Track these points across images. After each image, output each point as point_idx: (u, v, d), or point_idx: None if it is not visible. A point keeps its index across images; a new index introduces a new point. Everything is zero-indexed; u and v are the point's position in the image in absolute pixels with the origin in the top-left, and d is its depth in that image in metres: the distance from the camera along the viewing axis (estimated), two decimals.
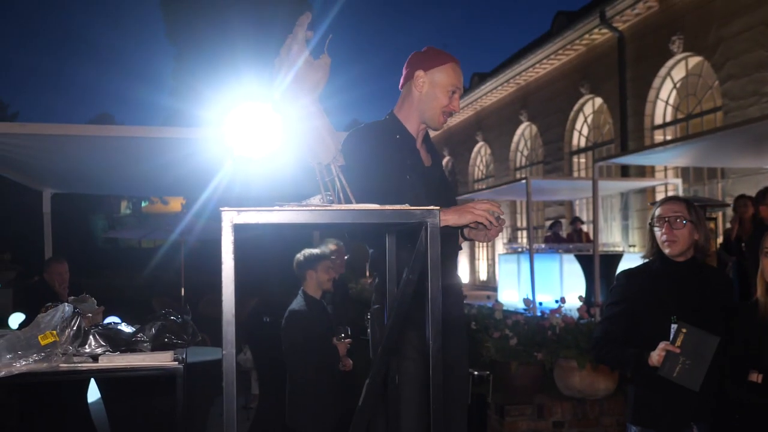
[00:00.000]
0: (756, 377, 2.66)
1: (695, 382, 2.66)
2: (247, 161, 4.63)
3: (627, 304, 2.93)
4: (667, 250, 2.89)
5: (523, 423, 5.70)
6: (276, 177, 5.30)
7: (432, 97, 2.62)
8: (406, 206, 1.55)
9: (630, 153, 11.58)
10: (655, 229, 2.93)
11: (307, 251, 4.69)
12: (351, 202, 1.67)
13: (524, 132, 19.42)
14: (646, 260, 3.05)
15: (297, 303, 4.56)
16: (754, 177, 10.37)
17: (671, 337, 2.71)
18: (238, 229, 1.45)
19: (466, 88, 22.71)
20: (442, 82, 2.61)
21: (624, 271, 3.08)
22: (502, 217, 2.31)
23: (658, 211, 2.95)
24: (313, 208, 1.50)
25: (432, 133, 2.85)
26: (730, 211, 9.87)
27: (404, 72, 2.69)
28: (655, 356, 2.70)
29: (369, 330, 2.62)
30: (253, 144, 3.90)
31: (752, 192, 7.87)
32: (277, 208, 1.47)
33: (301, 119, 1.72)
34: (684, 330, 2.67)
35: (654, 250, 2.97)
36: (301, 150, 1.76)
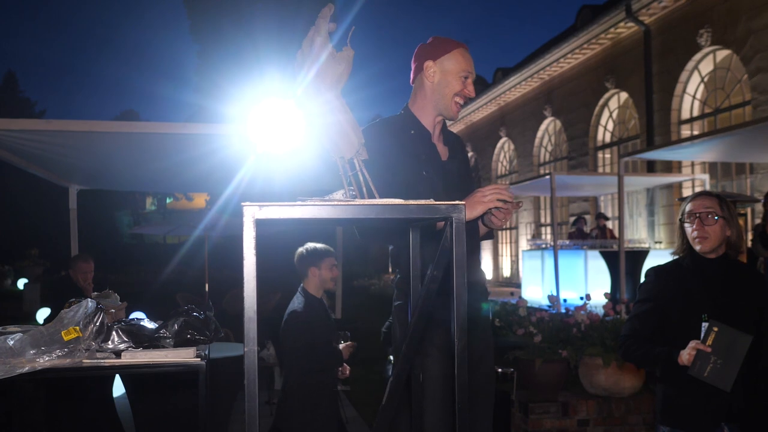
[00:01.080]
0: None
1: (727, 382, 2.59)
2: (270, 157, 4.62)
3: (656, 302, 2.87)
4: (698, 247, 2.83)
5: (548, 421, 5.64)
6: (299, 173, 5.29)
7: (444, 85, 2.58)
8: (431, 201, 1.52)
9: (656, 148, 11.41)
10: (686, 225, 2.87)
11: (311, 245, 4.35)
12: (374, 197, 1.64)
13: (548, 127, 19.26)
14: (676, 257, 2.99)
15: (297, 302, 4.24)
16: None
17: (702, 335, 2.64)
18: (260, 224, 1.43)
19: (489, 84, 22.61)
20: (452, 68, 2.58)
21: (653, 268, 3.01)
22: (511, 198, 2.27)
23: (688, 207, 2.88)
24: (335, 203, 1.48)
25: (454, 129, 2.81)
26: (759, 207, 9.70)
27: (413, 66, 2.67)
28: (686, 355, 2.65)
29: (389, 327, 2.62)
30: (275, 140, 3.89)
31: None
32: (299, 203, 1.44)
33: (324, 113, 1.70)
34: (715, 328, 2.61)
35: (684, 246, 2.91)
36: (323, 145, 1.73)
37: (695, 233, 2.81)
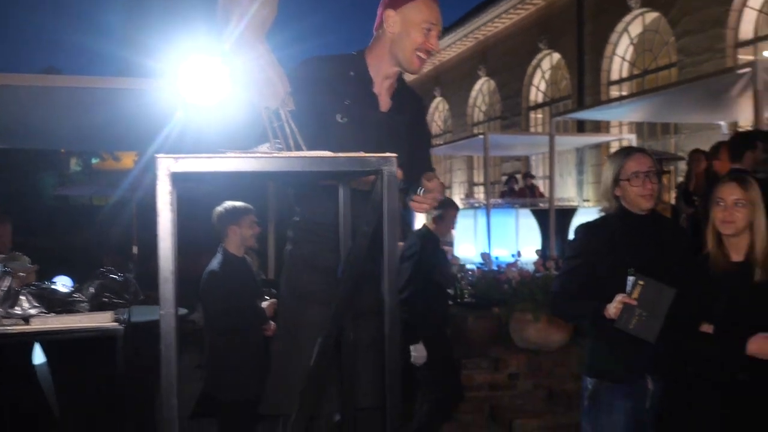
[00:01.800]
0: (708, 329, 2.67)
1: (652, 334, 2.65)
2: (198, 110, 4.45)
3: (585, 258, 2.90)
4: (646, 205, 2.85)
5: (479, 375, 5.74)
6: (230, 127, 5.12)
7: (405, 36, 2.39)
8: (361, 153, 1.45)
9: (586, 108, 11.61)
10: (626, 183, 2.85)
11: (229, 204, 4.24)
12: (302, 150, 1.56)
13: (482, 87, 19.33)
14: (604, 213, 3.01)
15: (215, 262, 4.14)
16: (706, 132, 10.48)
17: (628, 289, 2.69)
18: (184, 179, 1.34)
19: None
20: (414, 19, 2.38)
21: (582, 225, 3.04)
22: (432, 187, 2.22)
23: (631, 166, 2.85)
24: (257, 155, 1.39)
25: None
26: (682, 165, 10.01)
27: (378, 13, 2.47)
28: (612, 308, 2.69)
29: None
30: (204, 91, 3.76)
31: (704, 147, 7.96)
32: (218, 155, 1.35)
33: (248, 61, 1.60)
34: (641, 282, 2.65)
35: (615, 203, 2.92)
36: (248, 94, 1.63)
37: (646, 191, 2.82)
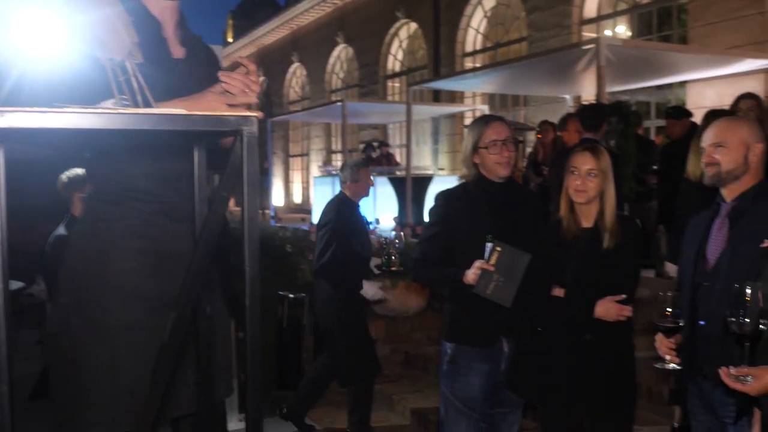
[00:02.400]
0: (558, 292, 2.78)
1: (508, 298, 2.73)
2: (36, 63, 4.05)
3: (444, 225, 2.93)
4: (502, 172, 2.90)
5: None
6: (72, 82, 4.71)
7: None
8: (220, 112, 1.34)
9: (442, 78, 11.85)
10: (484, 151, 2.89)
11: (72, 172, 4.14)
12: (151, 106, 1.41)
13: (340, 54, 19.21)
14: (463, 181, 3.05)
15: (61, 228, 4.05)
16: (552, 105, 11.01)
17: (486, 255, 2.74)
18: (18, 140, 1.17)
19: (282, 6, 21.94)
20: None
21: (442, 192, 3.06)
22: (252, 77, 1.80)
23: (489, 134, 2.89)
24: (98, 110, 1.24)
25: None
26: (530, 136, 10.47)
27: None
28: (471, 274, 2.73)
29: None
30: (42, 43, 3.40)
31: (551, 119, 8.36)
32: (53, 109, 1.19)
33: (90, 7, 1.42)
34: (498, 248, 2.71)
35: (473, 171, 2.96)
36: (89, 44, 1.46)
37: (503, 159, 2.87)
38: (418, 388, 5.26)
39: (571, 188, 2.76)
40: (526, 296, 2.79)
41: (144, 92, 1.42)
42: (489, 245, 2.75)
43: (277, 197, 20.64)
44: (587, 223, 2.79)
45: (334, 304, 4.46)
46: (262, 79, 23.04)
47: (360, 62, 17.80)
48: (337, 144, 19.33)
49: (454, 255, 2.89)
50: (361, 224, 4.69)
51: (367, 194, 4.68)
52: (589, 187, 2.72)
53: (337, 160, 18.81)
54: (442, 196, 3.03)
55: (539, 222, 3.04)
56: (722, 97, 8.96)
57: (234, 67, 1.99)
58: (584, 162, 2.74)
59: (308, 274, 6.17)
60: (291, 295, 5.68)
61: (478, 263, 2.73)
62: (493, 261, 2.71)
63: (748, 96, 4.44)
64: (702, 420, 2.38)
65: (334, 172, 14.58)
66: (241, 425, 4.66)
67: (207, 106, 1.75)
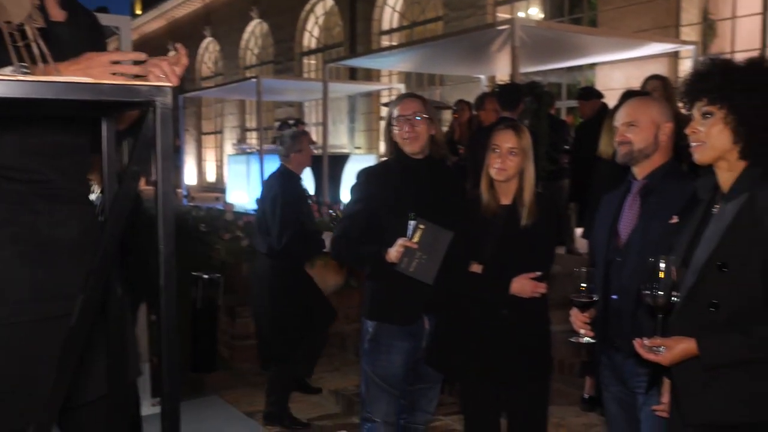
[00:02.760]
0: (477, 268, 2.81)
1: (430, 276, 2.73)
2: None
3: (366, 203, 2.90)
4: (408, 148, 2.89)
5: (253, 324, 5.66)
6: None
7: None
8: (129, 81, 1.25)
9: (358, 56, 11.78)
10: (394, 127, 2.90)
11: None
12: (56, 74, 1.32)
13: (255, 30, 18.80)
14: (385, 159, 3.03)
15: None
16: (467, 85, 11.14)
17: (409, 233, 2.74)
18: None
19: None
20: None
21: (364, 170, 3.04)
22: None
23: (397, 110, 2.91)
24: None
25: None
26: (447, 115, 10.57)
27: None
28: (394, 252, 2.73)
29: None
30: None
31: (466, 98, 8.45)
32: None
33: None
34: (421, 226, 2.71)
35: (393, 148, 2.95)
36: None
37: (406, 134, 2.86)
38: (336, 367, 5.26)
39: (492, 166, 2.78)
40: (446, 272, 2.81)
41: (47, 59, 1.32)
42: (412, 223, 2.75)
43: (190, 176, 20.11)
44: (506, 200, 2.82)
45: (278, 281, 4.32)
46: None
47: (275, 38, 17.47)
48: (251, 122, 18.98)
49: (376, 232, 2.87)
50: (306, 198, 4.52)
51: (310, 164, 4.51)
52: (508, 166, 2.75)
53: (252, 138, 18.49)
54: (364, 174, 3.00)
55: (459, 199, 3.05)
56: (629, 80, 9.29)
57: (142, 43, 1.84)
58: (506, 140, 2.76)
59: (223, 254, 6.06)
60: (205, 276, 5.56)
61: (401, 241, 2.72)
62: (416, 239, 2.71)
63: (654, 77, 4.60)
64: (613, 391, 2.46)
65: (248, 150, 14.31)
66: (155, 410, 4.53)
67: (90, 75, 1.48)
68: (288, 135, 4.46)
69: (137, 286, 2.99)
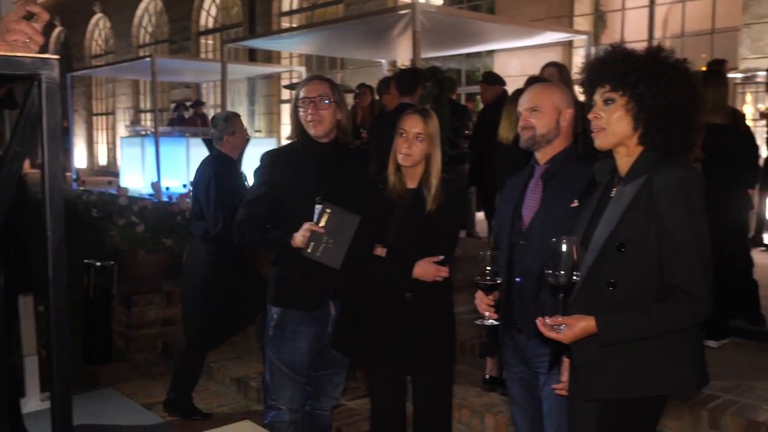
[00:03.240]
0: (381, 252, 2.80)
1: (337, 260, 2.69)
2: None
3: (271, 186, 2.83)
4: (312, 131, 2.83)
5: (152, 312, 5.47)
6: None
7: None
8: (12, 52, 1.14)
9: (258, 37, 11.53)
10: (300, 110, 2.84)
11: None
12: None
13: (148, 7, 18.08)
14: (291, 141, 2.97)
15: None
16: (369, 69, 11.14)
17: (315, 217, 2.69)
18: None
19: None
20: None
21: (268, 152, 2.96)
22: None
23: (302, 92, 2.85)
24: None
25: None
26: (349, 98, 10.53)
27: None
28: (299, 237, 2.67)
29: None
30: None
31: (367, 82, 8.43)
32: None
33: None
34: (328, 210, 2.67)
35: (298, 131, 2.89)
36: None
37: (309, 117, 2.80)
38: (238, 355, 5.14)
39: (399, 151, 2.77)
40: (351, 256, 2.78)
41: None
42: (318, 207, 2.70)
43: (80, 159, 19.17)
44: (412, 184, 2.82)
45: (211, 268, 4.15)
46: (59, 29, 21.13)
47: (170, 16, 16.87)
48: (146, 103, 18.30)
49: (282, 217, 2.81)
50: (242, 181, 4.33)
51: (244, 146, 4.34)
52: (414, 152, 2.75)
53: (147, 120, 17.82)
54: (269, 156, 2.92)
55: (364, 183, 3.02)
56: (525, 67, 9.55)
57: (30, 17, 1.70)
58: (413, 125, 2.76)
59: (118, 241, 5.80)
60: (98, 263, 5.30)
61: (307, 225, 2.66)
62: (322, 223, 2.66)
63: (551, 64, 4.72)
64: (516, 371, 2.51)
65: (143, 132, 13.78)
66: (44, 405, 4.30)
67: None
68: (220, 117, 4.28)
69: (17, 274, 2.81)
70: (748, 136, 4.71)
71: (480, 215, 7.47)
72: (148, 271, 5.67)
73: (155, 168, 10.48)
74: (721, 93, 4.36)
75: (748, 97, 8.52)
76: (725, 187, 4.08)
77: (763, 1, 8.56)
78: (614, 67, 1.89)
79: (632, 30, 9.98)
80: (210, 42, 16.29)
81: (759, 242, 7.14)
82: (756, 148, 4.84)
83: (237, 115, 4.38)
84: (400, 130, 2.77)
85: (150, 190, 9.77)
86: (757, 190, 6.99)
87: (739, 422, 3.29)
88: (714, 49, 9.45)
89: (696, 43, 9.30)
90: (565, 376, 2.16)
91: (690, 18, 9.93)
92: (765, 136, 7.09)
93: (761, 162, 5.06)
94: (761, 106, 7.96)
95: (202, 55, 16.10)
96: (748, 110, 8.04)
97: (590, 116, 1.95)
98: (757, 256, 5.55)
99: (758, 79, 7.76)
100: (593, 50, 8.66)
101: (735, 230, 4.42)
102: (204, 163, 4.28)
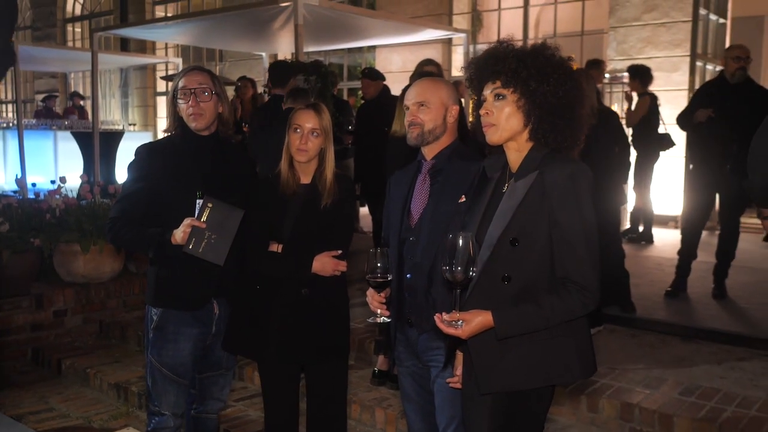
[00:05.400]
0: (276, 248, 2.73)
1: (220, 256, 2.60)
2: None
3: (148, 181, 2.68)
4: (193, 124, 2.71)
5: (20, 316, 5.11)
6: None
7: None
8: None
9: (130, 26, 11.02)
10: (179, 101, 2.71)
11: None
12: None
13: None
14: (168, 134, 2.83)
15: None
16: (249, 62, 10.94)
17: (197, 212, 2.58)
18: None
19: None
20: None
21: (144, 146, 2.80)
22: None
23: (181, 83, 2.72)
24: None
25: None
26: (229, 91, 10.29)
27: None
28: (180, 233, 2.55)
29: None
30: None
31: (248, 75, 8.27)
32: None
33: None
34: (210, 205, 2.56)
35: (177, 123, 2.76)
36: None
37: (191, 110, 2.69)
38: (116, 359, 4.88)
39: (293, 147, 2.72)
40: (241, 252, 2.69)
41: None
42: (199, 202, 2.59)
43: None
44: (306, 179, 2.77)
45: None
46: None
47: (33, 2, 15.81)
48: (7, 93, 17.07)
49: (160, 213, 2.67)
50: None
51: None
52: (310, 147, 2.71)
53: (8, 112, 16.66)
54: (145, 149, 2.77)
55: (251, 177, 2.94)
56: (406, 63, 9.68)
57: None
58: (307, 120, 2.72)
59: None
60: None
61: (188, 221, 2.55)
62: (204, 218, 2.55)
63: (427, 62, 4.78)
64: (408, 365, 2.51)
65: (4, 125, 12.86)
66: None
67: None
68: None
69: None
70: (619, 133, 4.97)
71: (364, 210, 7.50)
72: (15, 272, 5.28)
73: (19, 162, 9.82)
74: (590, 92, 4.58)
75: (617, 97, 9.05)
76: (601, 183, 4.30)
77: (628, 5, 9.11)
78: (505, 63, 1.92)
79: (507, 29, 10.33)
80: (78, 30, 15.41)
81: (644, 236, 7.61)
82: (627, 146, 5.13)
83: None
84: (294, 125, 2.72)
85: (14, 187, 9.14)
86: (633, 186, 7.44)
87: (615, 404, 3.47)
88: (583, 51, 9.96)
89: (566, 43, 9.75)
90: (459, 370, 2.18)
91: (561, 20, 10.42)
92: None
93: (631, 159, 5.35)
94: (623, 107, 8.45)
95: (69, 44, 15.21)
96: (617, 109, 8.53)
97: (481, 112, 1.97)
98: (628, 247, 5.91)
99: (624, 80, 8.24)
100: (471, 48, 8.91)
101: (609, 223, 4.67)
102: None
